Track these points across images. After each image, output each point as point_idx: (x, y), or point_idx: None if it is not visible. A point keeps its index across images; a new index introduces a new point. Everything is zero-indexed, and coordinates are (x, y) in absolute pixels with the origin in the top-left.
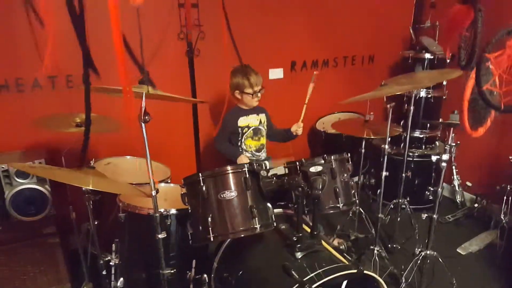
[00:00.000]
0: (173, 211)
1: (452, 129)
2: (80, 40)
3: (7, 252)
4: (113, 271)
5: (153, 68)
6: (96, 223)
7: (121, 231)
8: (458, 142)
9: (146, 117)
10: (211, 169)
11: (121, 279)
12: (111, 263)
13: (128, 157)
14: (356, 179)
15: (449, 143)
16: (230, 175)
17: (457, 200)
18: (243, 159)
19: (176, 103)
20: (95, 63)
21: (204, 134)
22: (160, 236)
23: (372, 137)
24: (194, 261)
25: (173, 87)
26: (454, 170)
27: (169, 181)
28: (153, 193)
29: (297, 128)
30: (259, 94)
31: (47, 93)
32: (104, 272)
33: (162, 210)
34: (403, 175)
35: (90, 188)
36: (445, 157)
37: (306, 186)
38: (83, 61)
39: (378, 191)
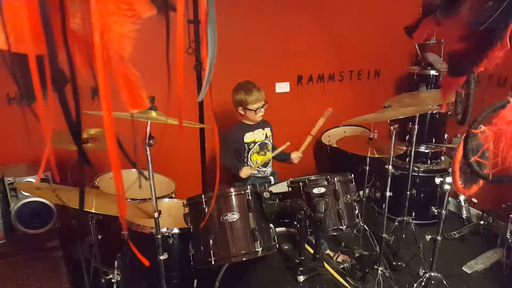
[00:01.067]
0: (176, 230)
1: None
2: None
3: (11, 265)
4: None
5: (162, 81)
6: (99, 237)
7: (124, 248)
8: (463, 165)
9: (151, 141)
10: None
11: None
12: (112, 280)
13: (133, 169)
14: (361, 192)
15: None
16: (233, 197)
17: (463, 216)
18: (246, 170)
19: (184, 116)
20: None
21: (210, 148)
22: (161, 257)
23: (375, 155)
24: (195, 281)
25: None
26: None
27: (173, 196)
28: (155, 215)
29: (297, 156)
30: (262, 110)
31: (56, 106)
32: None
33: (164, 229)
34: (408, 192)
35: (93, 211)
36: (449, 179)
37: (309, 208)
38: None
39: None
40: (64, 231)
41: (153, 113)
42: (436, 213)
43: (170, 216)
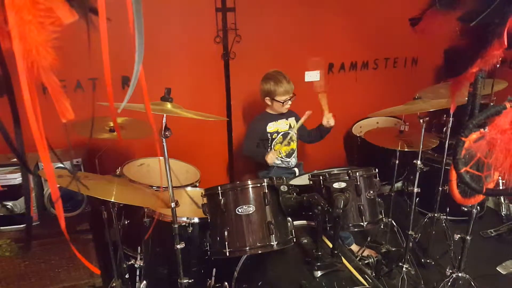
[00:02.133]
0: (196, 219)
1: None
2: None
3: (43, 246)
4: (137, 273)
5: (189, 70)
6: (127, 222)
7: (146, 235)
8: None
9: (167, 133)
10: (241, 178)
11: (144, 282)
12: (135, 265)
13: (162, 158)
14: (389, 187)
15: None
16: (250, 190)
17: (502, 213)
18: (272, 156)
19: (210, 105)
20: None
21: (237, 136)
22: (178, 246)
23: (405, 149)
24: (214, 269)
25: (208, 89)
26: (500, 181)
27: (197, 185)
28: (172, 205)
29: (328, 119)
30: (289, 102)
31: (88, 95)
32: (127, 276)
33: (184, 218)
34: (440, 188)
35: (112, 200)
36: None
37: (327, 203)
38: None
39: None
40: (94, 215)
41: (169, 105)
42: (465, 210)
43: (193, 204)
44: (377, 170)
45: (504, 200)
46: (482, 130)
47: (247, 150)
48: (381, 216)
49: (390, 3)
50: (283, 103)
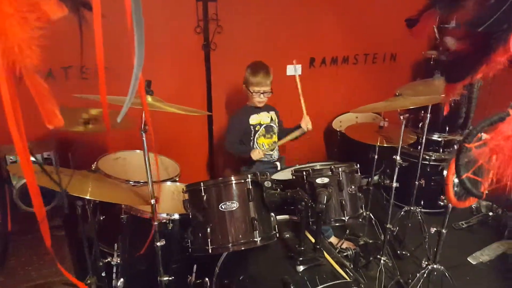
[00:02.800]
0: (176, 216)
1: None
2: None
3: (14, 243)
4: (114, 270)
5: (169, 61)
6: (102, 218)
7: (123, 232)
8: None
9: (147, 127)
10: (222, 174)
11: (122, 279)
12: (112, 263)
13: (138, 151)
14: (367, 180)
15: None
16: (233, 186)
17: (473, 206)
18: (257, 153)
19: (190, 97)
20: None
21: (218, 129)
22: (158, 243)
23: (384, 145)
24: (195, 266)
25: (188, 81)
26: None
27: (177, 179)
28: (152, 202)
29: (307, 123)
30: (262, 96)
31: (61, 84)
32: (103, 274)
33: (164, 215)
34: (416, 182)
35: (87, 198)
36: None
37: (310, 199)
38: None
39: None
40: (68, 211)
41: (149, 98)
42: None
43: (174, 200)
44: (358, 166)
45: None
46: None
47: (231, 147)
48: (361, 211)
49: (370, 0)
50: (253, 94)
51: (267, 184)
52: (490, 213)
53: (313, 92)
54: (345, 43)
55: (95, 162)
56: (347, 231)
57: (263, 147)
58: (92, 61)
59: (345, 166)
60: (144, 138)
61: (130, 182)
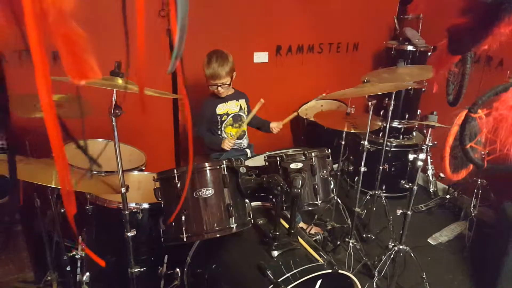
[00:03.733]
0: (145, 205)
1: (430, 129)
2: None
3: None
4: (79, 264)
5: (133, 44)
6: (62, 211)
7: (88, 223)
8: (436, 142)
9: (117, 111)
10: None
11: (87, 273)
12: (76, 256)
13: (100, 139)
14: (336, 166)
15: (426, 143)
16: (208, 172)
17: (430, 190)
18: (228, 142)
19: (154, 84)
20: None
21: (185, 118)
22: (129, 234)
23: (352, 131)
24: (166, 256)
25: (152, 65)
26: (429, 160)
27: (143, 169)
28: (123, 190)
29: (276, 126)
30: (219, 89)
31: (15, 70)
32: (68, 268)
33: (133, 204)
34: (380, 167)
35: (53, 186)
36: (422, 156)
37: (286, 184)
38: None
39: (356, 178)
40: (24, 204)
41: (120, 81)
42: (406, 187)
43: (140, 189)
44: (329, 151)
45: (432, 177)
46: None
47: (203, 135)
48: (332, 195)
49: None
50: (209, 87)
51: (242, 170)
52: (448, 196)
53: (279, 80)
54: (311, 32)
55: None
56: (316, 216)
57: (231, 136)
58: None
59: (317, 151)
60: (114, 123)
61: (94, 172)
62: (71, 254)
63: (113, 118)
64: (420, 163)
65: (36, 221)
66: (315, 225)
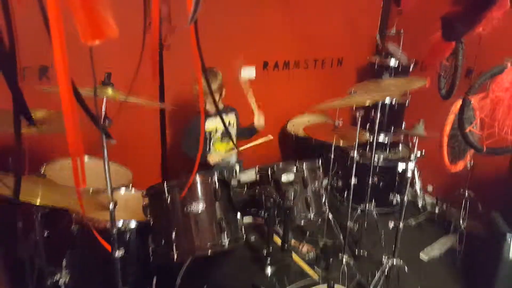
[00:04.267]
0: (133, 224)
1: (417, 138)
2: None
3: None
4: None
5: (119, 61)
6: (46, 233)
7: (73, 244)
8: (423, 151)
9: (107, 122)
10: (177, 178)
11: None
12: (60, 281)
13: (86, 157)
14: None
15: (414, 153)
16: (198, 185)
17: (419, 204)
18: (214, 157)
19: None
20: None
21: (171, 134)
22: (117, 253)
23: (341, 142)
24: (154, 278)
25: (140, 80)
26: (416, 174)
27: (129, 187)
28: (111, 206)
29: (258, 119)
30: (207, 105)
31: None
32: None
33: (120, 223)
34: (369, 182)
35: (38, 204)
36: (411, 166)
37: (278, 196)
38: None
39: (345, 193)
40: (4, 227)
41: (110, 90)
42: (394, 201)
43: (127, 208)
44: (320, 163)
45: (420, 191)
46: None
47: (187, 150)
48: (325, 207)
49: (318, 9)
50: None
51: (234, 182)
52: (436, 210)
53: (266, 95)
54: (296, 49)
55: (41, 169)
56: (307, 233)
57: (220, 156)
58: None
59: (308, 163)
60: (103, 135)
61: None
62: (54, 278)
63: (102, 130)
64: (409, 174)
65: (17, 244)
66: (307, 242)
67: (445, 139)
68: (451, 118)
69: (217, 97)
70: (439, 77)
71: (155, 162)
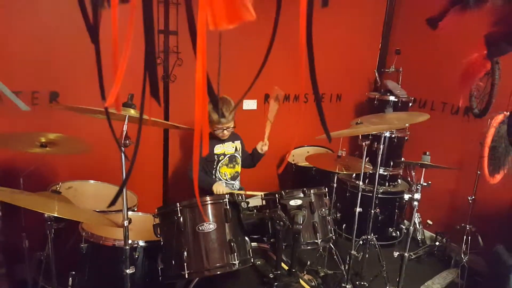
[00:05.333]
0: (141, 243)
1: (424, 169)
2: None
3: None
4: None
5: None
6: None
7: (81, 263)
8: (430, 182)
9: (127, 141)
10: (189, 199)
11: None
12: None
13: (92, 181)
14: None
15: (421, 182)
16: (209, 206)
17: (418, 238)
18: (220, 187)
19: (147, 128)
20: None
21: (173, 161)
22: (128, 271)
23: (344, 172)
24: None
25: (146, 110)
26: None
27: (135, 209)
28: (125, 223)
29: (262, 145)
30: (225, 132)
31: (9, 109)
32: None
33: (129, 242)
34: (372, 211)
35: (55, 215)
36: (417, 196)
37: (287, 219)
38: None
39: (343, 226)
40: (9, 246)
41: (132, 111)
42: (393, 234)
43: (132, 230)
44: (326, 189)
45: (419, 225)
46: None
47: (191, 175)
48: (331, 234)
49: (318, 47)
50: (215, 130)
51: (244, 205)
52: (437, 243)
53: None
54: (296, 83)
55: (57, 187)
56: (308, 263)
57: (224, 176)
58: (44, 85)
59: (316, 189)
60: (123, 154)
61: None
62: None
63: (123, 149)
64: (416, 203)
65: (21, 264)
66: (308, 273)
67: (487, 150)
68: (491, 131)
69: (232, 124)
70: (471, 97)
71: (157, 186)
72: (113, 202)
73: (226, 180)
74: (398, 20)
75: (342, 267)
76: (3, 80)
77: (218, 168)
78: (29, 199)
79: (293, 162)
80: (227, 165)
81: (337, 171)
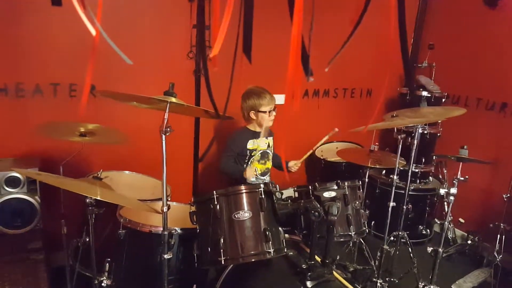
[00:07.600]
0: (178, 230)
1: (461, 164)
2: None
3: None
4: None
5: (159, 83)
6: (87, 240)
7: (118, 249)
8: (467, 176)
9: (168, 129)
10: (224, 187)
11: None
12: (103, 284)
13: (127, 172)
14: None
15: (458, 176)
16: (244, 195)
17: (449, 236)
18: (250, 172)
19: (178, 118)
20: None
21: (203, 152)
22: (166, 256)
23: (377, 166)
24: (194, 286)
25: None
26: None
27: (169, 199)
28: (165, 209)
29: (293, 165)
30: (273, 113)
31: (48, 101)
32: None
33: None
34: (404, 207)
35: (98, 198)
36: (453, 190)
37: (322, 210)
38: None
39: (372, 223)
40: (47, 233)
41: (173, 99)
42: (424, 232)
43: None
44: (360, 183)
45: (450, 224)
46: None
47: (224, 167)
48: (364, 228)
49: (352, 41)
50: (269, 113)
51: (278, 194)
52: (469, 242)
53: (296, 122)
54: (326, 78)
55: (98, 174)
56: (337, 257)
57: (255, 172)
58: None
59: (349, 182)
60: (163, 140)
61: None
62: (101, 279)
63: (163, 136)
64: (452, 198)
65: (58, 250)
66: (336, 268)
67: None
68: None
69: (274, 114)
70: None
71: (187, 177)
72: None
73: (256, 175)
74: (431, 15)
75: (372, 263)
76: (44, 72)
77: (249, 163)
78: (73, 184)
79: (321, 157)
80: (258, 161)
81: (369, 165)
